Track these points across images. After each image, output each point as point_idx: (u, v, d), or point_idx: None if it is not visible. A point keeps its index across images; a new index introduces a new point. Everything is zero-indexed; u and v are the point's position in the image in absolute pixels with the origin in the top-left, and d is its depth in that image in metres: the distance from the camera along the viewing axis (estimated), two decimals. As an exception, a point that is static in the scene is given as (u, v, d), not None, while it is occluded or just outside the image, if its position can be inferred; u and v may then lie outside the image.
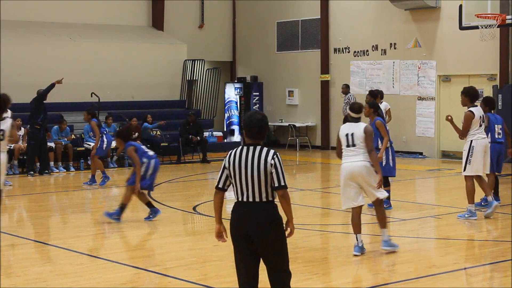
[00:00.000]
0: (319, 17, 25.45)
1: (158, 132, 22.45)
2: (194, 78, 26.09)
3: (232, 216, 6.42)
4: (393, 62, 23.46)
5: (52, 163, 19.77)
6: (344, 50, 24.97)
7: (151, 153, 12.71)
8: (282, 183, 6.29)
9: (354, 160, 9.73)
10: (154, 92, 25.06)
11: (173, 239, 11.22)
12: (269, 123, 28.81)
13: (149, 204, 12.57)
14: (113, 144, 20.72)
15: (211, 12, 28.03)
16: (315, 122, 25.97)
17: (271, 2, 27.13)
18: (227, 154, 6.47)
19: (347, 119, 22.62)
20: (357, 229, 9.80)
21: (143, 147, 12.93)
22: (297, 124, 25.99)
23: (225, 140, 25.43)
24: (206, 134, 23.35)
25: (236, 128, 27.52)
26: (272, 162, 6.28)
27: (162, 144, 22.13)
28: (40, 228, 12.55)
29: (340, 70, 25.04)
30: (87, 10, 25.01)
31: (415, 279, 8.75)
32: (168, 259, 9.90)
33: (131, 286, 8.69)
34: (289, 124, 25.99)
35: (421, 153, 22.61)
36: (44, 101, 19.08)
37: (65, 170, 19.91)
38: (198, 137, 22.18)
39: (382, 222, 9.97)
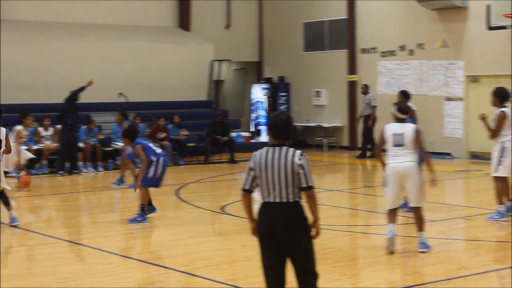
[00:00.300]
0: (346, 17, 25.40)
1: (185, 132, 22.50)
2: (221, 79, 26.13)
3: (259, 216, 6.44)
4: (421, 63, 23.34)
5: (80, 163, 19.91)
6: (371, 50, 24.90)
7: (159, 150, 12.72)
8: (310, 183, 6.32)
9: (403, 161, 9.78)
10: (181, 92, 25.12)
11: (201, 239, 11.24)
12: (296, 124, 28.75)
13: (150, 203, 12.58)
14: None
15: (238, 12, 28.06)
16: (342, 123, 25.91)
17: (297, 2, 27.10)
18: (252, 155, 6.49)
19: (367, 119, 22.36)
20: (393, 219, 9.96)
21: (151, 145, 12.88)
22: (324, 125, 25.95)
23: (252, 141, 25.43)
24: (233, 134, 23.38)
25: (263, 128, 27.53)
26: (299, 162, 6.29)
27: (189, 145, 22.20)
28: (70, 227, 12.62)
29: (367, 71, 24.97)
30: (114, 11, 25.15)
31: (445, 280, 8.70)
32: (196, 259, 9.91)
33: (159, 286, 8.72)
34: (316, 125, 25.96)
35: (449, 154, 22.47)
36: (76, 102, 19.22)
37: (93, 170, 20.02)
38: (225, 138, 22.21)
39: (420, 225, 9.98)
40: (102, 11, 24.89)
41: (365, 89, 23.18)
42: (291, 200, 6.32)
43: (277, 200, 6.33)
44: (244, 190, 6.52)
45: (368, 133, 22.90)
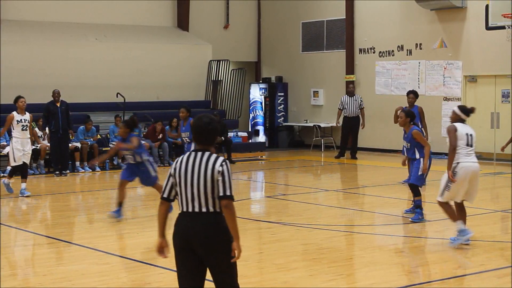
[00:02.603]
0: (344, 17, 25.40)
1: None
2: (219, 79, 26.13)
3: (175, 228, 5.90)
4: (419, 63, 23.35)
5: (78, 163, 19.90)
6: (369, 50, 24.90)
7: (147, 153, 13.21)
8: (228, 193, 5.78)
9: (475, 161, 10.29)
10: (179, 92, 25.11)
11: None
12: (294, 124, 28.64)
13: (121, 204, 12.73)
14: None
15: (236, 13, 28.06)
16: (340, 123, 25.87)
17: (296, 3, 27.10)
18: (174, 161, 6.04)
19: (356, 120, 21.94)
20: (455, 217, 10.30)
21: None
22: (322, 125, 25.93)
23: (250, 141, 25.43)
24: (231, 134, 23.37)
25: (261, 128, 27.53)
26: (220, 169, 5.80)
27: (187, 145, 22.15)
28: (66, 227, 12.60)
29: (365, 71, 24.97)
30: (112, 10, 25.15)
31: (441, 280, 8.70)
32: (193, 259, 9.88)
33: (156, 286, 8.71)
34: (314, 125, 25.95)
35: (446, 154, 22.41)
36: (55, 105, 19.13)
37: (90, 170, 20.01)
38: (222, 137, 22.20)
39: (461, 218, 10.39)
40: (100, 11, 24.88)
41: (352, 89, 23.23)
42: (211, 210, 5.81)
43: (196, 209, 5.82)
44: (162, 198, 6.00)
45: (355, 134, 22.80)
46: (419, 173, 12.12)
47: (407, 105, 16.24)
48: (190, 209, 5.84)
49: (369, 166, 21.52)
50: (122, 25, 25.31)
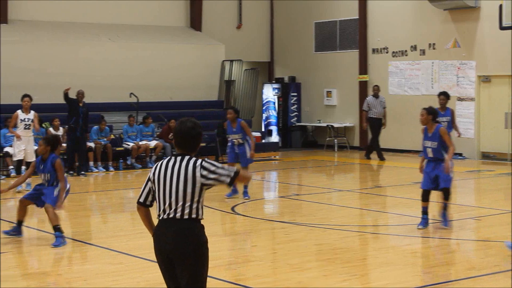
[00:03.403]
0: (357, 17, 25.37)
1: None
2: (232, 79, 26.15)
3: (154, 235, 5.73)
4: (432, 63, 23.29)
5: (91, 163, 19.97)
6: (383, 50, 24.86)
7: None
8: (228, 180, 5.60)
9: None
10: (192, 92, 25.15)
11: (212, 239, 11.10)
12: (307, 124, 28.59)
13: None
14: (153, 144, 20.96)
15: (249, 13, 28.08)
16: (353, 123, 25.88)
17: (309, 3, 27.09)
18: (154, 166, 5.82)
19: (379, 121, 21.88)
20: None
21: None
22: (335, 125, 25.92)
23: (263, 141, 25.43)
24: (243, 134, 23.35)
25: (274, 128, 27.53)
26: (203, 172, 5.55)
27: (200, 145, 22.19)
28: (80, 227, 12.65)
29: (378, 71, 24.93)
30: (125, 11, 25.21)
31: (455, 281, 8.69)
32: (206, 259, 9.90)
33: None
34: (327, 125, 25.93)
35: (460, 154, 22.40)
36: (74, 104, 19.13)
37: (104, 170, 20.06)
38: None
39: None
40: (113, 11, 24.94)
41: (378, 91, 22.79)
42: (186, 217, 5.56)
43: (171, 216, 5.56)
44: (138, 203, 5.81)
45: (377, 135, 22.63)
46: (449, 174, 11.60)
47: (439, 106, 15.85)
48: (165, 216, 5.61)
49: (382, 166, 21.48)
50: (135, 25, 25.37)
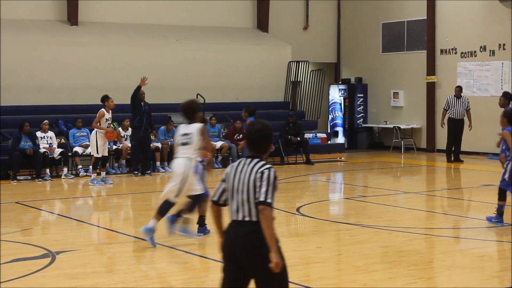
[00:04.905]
0: (425, 17, 25.10)
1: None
2: (298, 80, 26.13)
3: (224, 237, 5.77)
4: (502, 63, 22.91)
5: (158, 163, 20.17)
6: (451, 51, 24.55)
7: None
8: (262, 198, 5.50)
9: None
10: (259, 93, 25.21)
11: (277, 240, 11.21)
12: (373, 125, 28.35)
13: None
14: (219, 144, 21.06)
15: (316, 13, 28.02)
16: (420, 124, 25.61)
17: (376, 3, 26.91)
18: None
19: (461, 122, 21.26)
20: None
21: None
22: (402, 126, 25.69)
23: (329, 142, 25.36)
24: (309, 135, 23.34)
25: (340, 129, 27.42)
26: (260, 174, 5.57)
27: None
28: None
29: (446, 72, 24.63)
30: (193, 12, 25.40)
31: (524, 286, 8.52)
32: (271, 260, 9.90)
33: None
34: (393, 126, 25.72)
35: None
36: (140, 102, 19.30)
37: (170, 170, 20.20)
38: (298, 138, 22.17)
39: None
40: (180, 12, 25.16)
41: (459, 92, 22.17)
42: (254, 220, 5.58)
43: (240, 218, 5.61)
44: (212, 201, 5.87)
45: (460, 137, 22.09)
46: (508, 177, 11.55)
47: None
48: (234, 218, 5.67)
49: (450, 168, 21.21)
50: (203, 26, 25.54)
